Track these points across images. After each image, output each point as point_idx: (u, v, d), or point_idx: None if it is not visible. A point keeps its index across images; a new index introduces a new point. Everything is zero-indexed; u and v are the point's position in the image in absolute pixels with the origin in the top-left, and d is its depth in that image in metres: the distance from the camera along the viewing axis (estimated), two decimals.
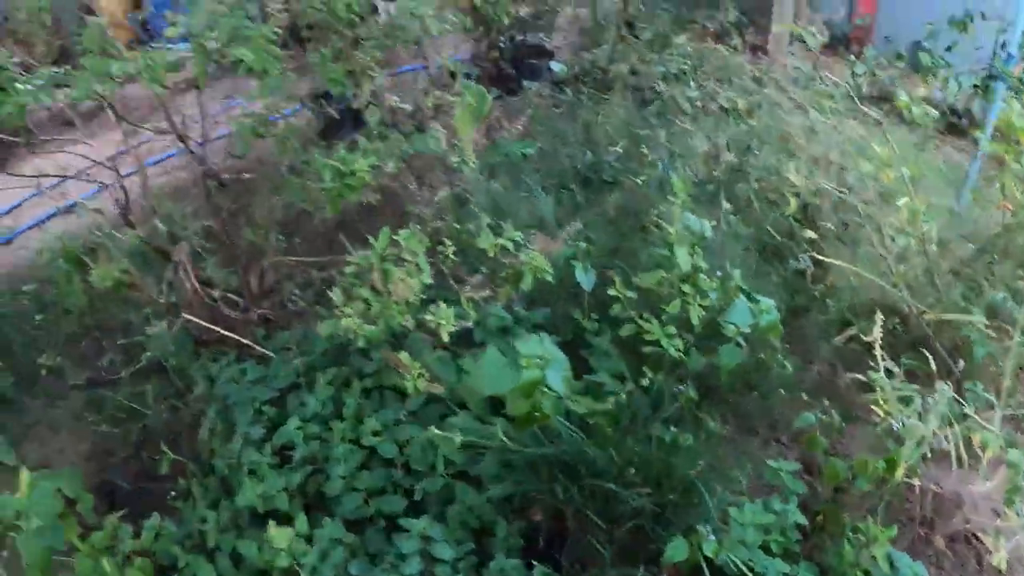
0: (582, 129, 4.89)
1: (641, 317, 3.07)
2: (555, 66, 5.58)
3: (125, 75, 2.52)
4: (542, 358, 2.17)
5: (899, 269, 3.67)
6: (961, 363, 3.37)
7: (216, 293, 3.52)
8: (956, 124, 6.09)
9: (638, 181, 3.91)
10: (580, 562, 2.30)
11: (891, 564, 2.26)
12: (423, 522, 2.27)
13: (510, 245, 2.56)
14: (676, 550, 2.03)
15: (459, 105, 3.60)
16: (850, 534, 2.48)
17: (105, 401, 3.84)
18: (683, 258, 2.72)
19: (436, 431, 2.25)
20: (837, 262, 3.62)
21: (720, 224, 3.86)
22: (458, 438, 2.21)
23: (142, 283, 3.57)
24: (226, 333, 3.49)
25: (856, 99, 5.66)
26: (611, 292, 3.04)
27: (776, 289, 3.62)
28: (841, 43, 7.20)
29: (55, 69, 7.18)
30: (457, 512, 2.45)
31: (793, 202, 3.65)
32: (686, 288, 2.85)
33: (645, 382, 2.53)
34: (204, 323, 3.55)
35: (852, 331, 3.12)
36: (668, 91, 4.64)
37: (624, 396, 2.37)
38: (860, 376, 2.94)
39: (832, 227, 3.99)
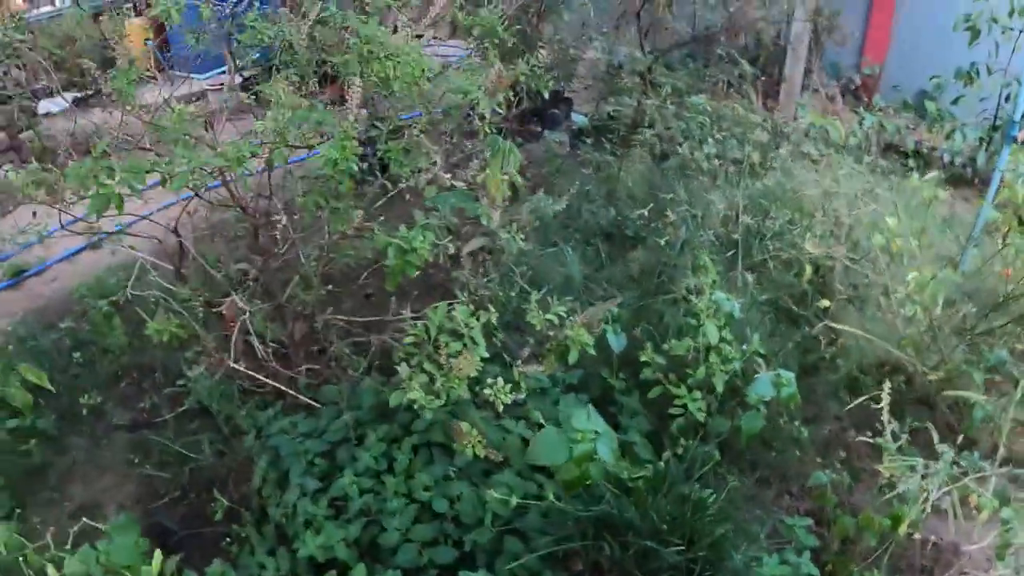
0: (603, 183, 5.31)
1: (667, 379, 3.49)
2: (577, 118, 6.00)
3: (204, 165, 2.89)
4: (595, 432, 2.57)
5: (906, 332, 4.09)
6: (961, 419, 3.80)
7: (261, 346, 3.90)
8: (962, 174, 6.54)
9: (661, 241, 4.32)
10: None
11: None
12: (481, 573, 2.65)
13: (555, 320, 2.96)
14: None
15: (492, 165, 4.02)
16: None
17: (150, 443, 4.19)
18: (712, 332, 3.13)
19: (494, 493, 2.64)
20: (847, 328, 4.04)
21: (738, 286, 4.30)
22: (514, 499, 2.60)
23: (195, 337, 3.94)
24: (273, 384, 3.87)
25: (865, 151, 6.16)
26: (642, 357, 3.45)
27: (791, 351, 4.04)
28: (850, 91, 7.69)
29: (77, 94, 7.54)
30: (506, 563, 2.83)
31: (808, 269, 4.05)
32: (712, 357, 3.25)
33: (678, 449, 2.92)
34: (251, 372, 3.92)
35: (862, 398, 3.51)
36: (687, 146, 5.06)
37: (661, 464, 2.75)
38: (867, 438, 3.36)
39: (842, 290, 4.41)
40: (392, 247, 2.75)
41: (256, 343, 3.90)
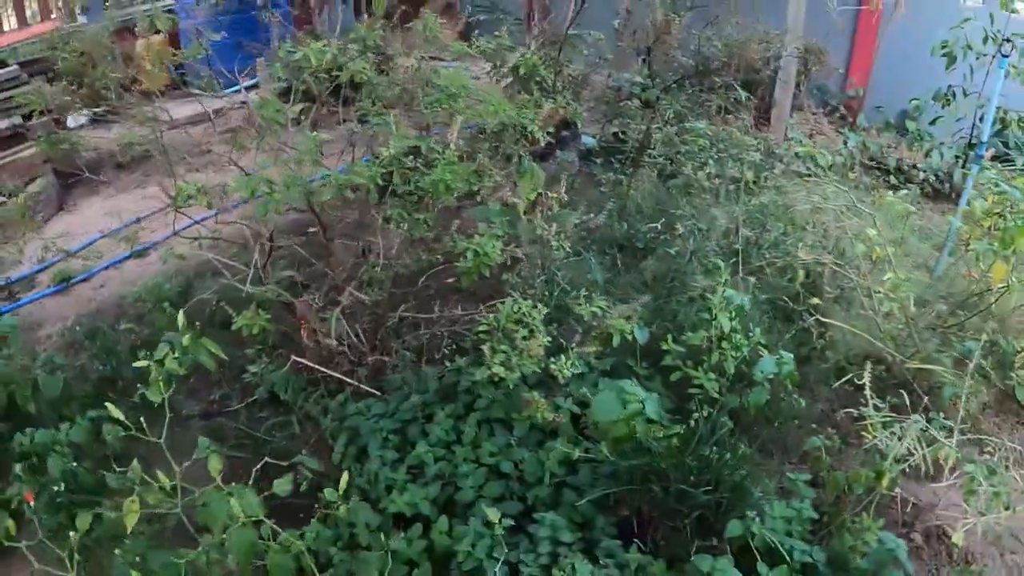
0: (615, 199, 6.29)
1: (685, 365, 4.43)
2: (585, 139, 6.99)
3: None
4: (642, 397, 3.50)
5: (885, 327, 5.09)
6: (934, 400, 4.79)
7: (330, 342, 4.78)
8: (940, 190, 7.63)
9: (671, 251, 5.29)
10: (662, 541, 3.60)
11: (880, 542, 3.57)
12: (551, 516, 3.55)
13: (598, 311, 3.90)
14: (734, 528, 3.35)
15: (523, 183, 4.98)
16: (849, 526, 3.81)
17: (224, 430, 5.01)
18: (725, 323, 4.08)
19: (559, 447, 3.55)
20: (835, 322, 5.02)
21: (740, 288, 5.28)
22: (576, 452, 3.52)
23: (265, 332, 4.82)
24: (338, 375, 4.76)
25: (850, 169, 7.23)
26: (663, 347, 4.39)
27: (787, 343, 5.00)
28: (835, 111, 8.79)
29: (95, 109, 8.33)
30: (565, 511, 3.73)
31: (800, 274, 5.03)
32: (725, 345, 4.20)
33: (699, 417, 3.85)
34: (314, 365, 4.80)
35: (847, 377, 4.48)
36: (691, 167, 6.05)
37: (688, 426, 3.69)
38: (853, 411, 4.33)
39: (830, 291, 5.40)
40: (470, 251, 3.65)
41: (323, 338, 4.80)
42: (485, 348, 3.71)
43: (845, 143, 7.83)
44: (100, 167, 7.68)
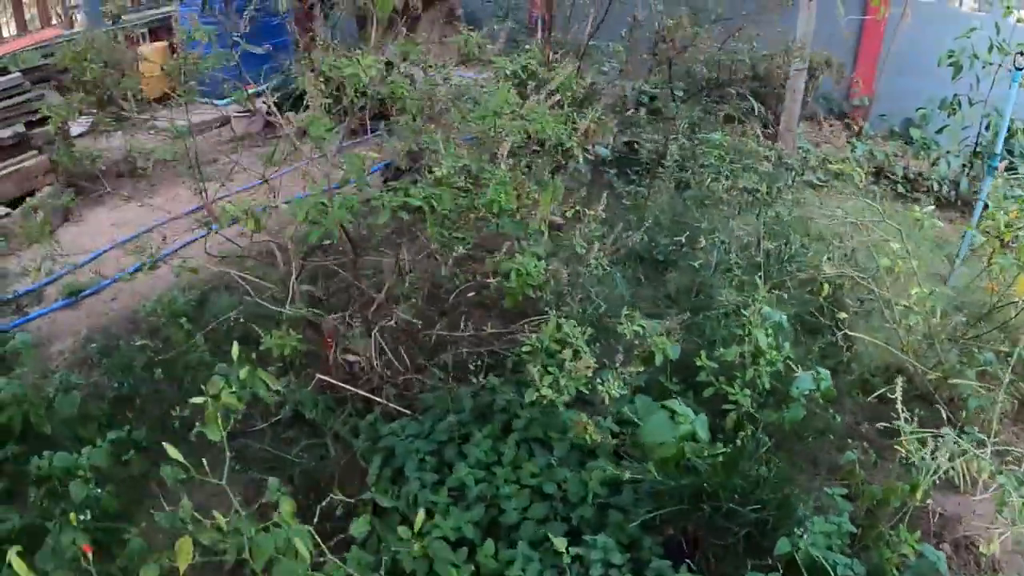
0: (633, 211, 6.32)
1: (718, 381, 4.48)
2: (600, 150, 7.02)
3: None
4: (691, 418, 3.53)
5: (907, 339, 5.17)
6: (955, 411, 4.88)
7: (358, 360, 4.77)
8: (946, 198, 7.74)
9: (695, 264, 5.33)
10: (712, 561, 3.64)
11: (920, 555, 3.64)
12: (601, 538, 3.57)
13: (640, 331, 3.94)
14: (784, 545, 3.39)
15: (544, 197, 5.00)
16: (886, 538, 3.87)
17: (249, 451, 4.98)
18: (762, 339, 4.13)
19: (607, 467, 3.58)
20: (862, 336, 5.09)
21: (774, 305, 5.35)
22: (626, 474, 3.55)
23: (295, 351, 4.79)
24: (369, 396, 4.75)
25: (862, 177, 7.31)
26: (697, 362, 4.43)
27: (814, 357, 5.07)
28: (840, 119, 8.90)
29: (102, 117, 8.22)
30: (612, 532, 3.75)
31: (826, 287, 5.10)
32: (761, 361, 4.25)
33: (738, 436, 3.89)
34: (342, 384, 4.77)
35: (879, 391, 4.55)
36: (708, 177, 6.10)
37: (734, 445, 3.73)
38: (884, 424, 4.40)
39: (851, 304, 5.47)
40: (514, 270, 3.66)
41: (352, 356, 4.79)
42: (532, 369, 3.72)
43: (852, 151, 7.92)
44: (105, 176, 7.59)
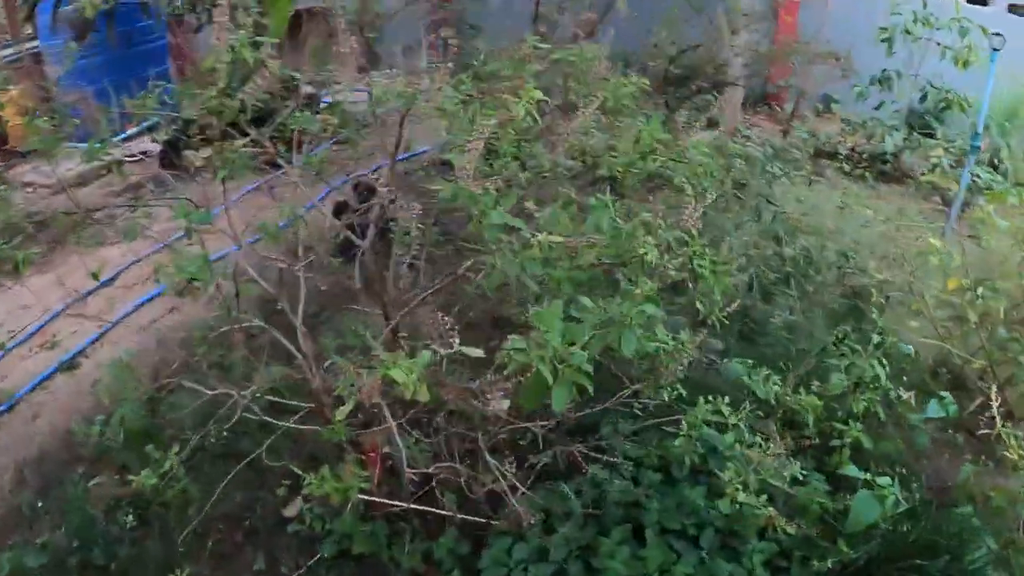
0: None
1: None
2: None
3: None
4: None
5: (944, 330, 5.00)
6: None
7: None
8: (887, 171, 7.82)
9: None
10: None
11: None
12: None
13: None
14: None
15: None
16: None
17: None
18: (878, 369, 3.75)
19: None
20: (904, 331, 4.86)
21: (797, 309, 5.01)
22: (828, 562, 3.04)
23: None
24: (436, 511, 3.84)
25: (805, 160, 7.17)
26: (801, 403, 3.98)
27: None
28: (761, 102, 8.82)
29: None
30: None
31: (875, 293, 4.80)
32: (872, 391, 3.88)
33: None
34: (394, 503, 3.86)
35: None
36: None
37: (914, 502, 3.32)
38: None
39: (883, 302, 5.25)
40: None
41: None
42: (724, 474, 3.09)
43: (785, 135, 7.81)
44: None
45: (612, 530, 3.54)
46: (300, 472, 3.50)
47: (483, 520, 3.88)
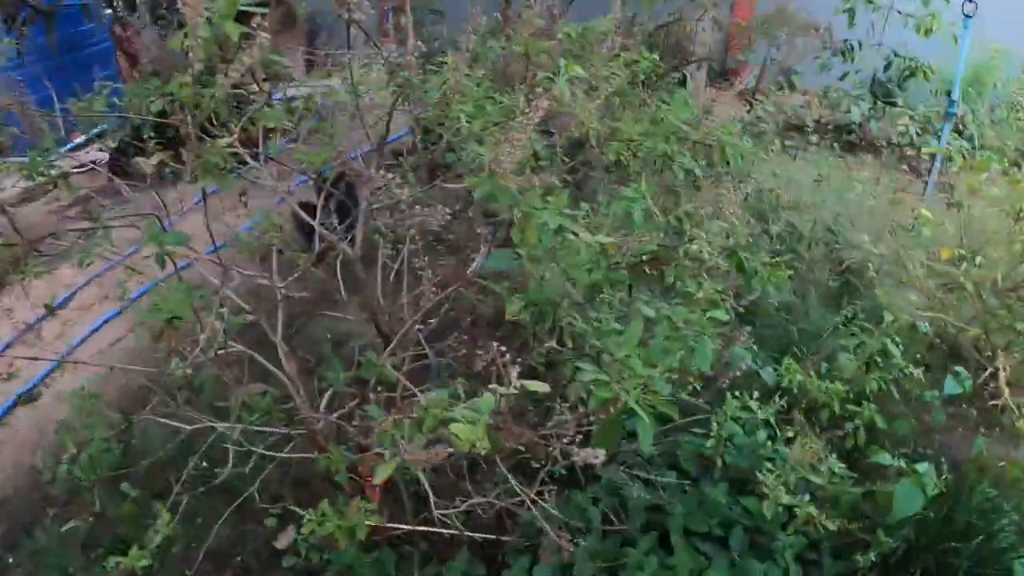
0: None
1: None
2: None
3: None
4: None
5: (947, 299, 4.94)
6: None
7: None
8: (853, 141, 7.79)
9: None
10: None
11: None
12: None
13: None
14: None
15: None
16: None
17: None
18: (895, 351, 3.63)
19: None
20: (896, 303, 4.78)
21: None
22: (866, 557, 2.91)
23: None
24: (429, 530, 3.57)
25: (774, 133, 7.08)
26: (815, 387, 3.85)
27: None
28: (720, 76, 8.69)
29: None
30: None
31: (871, 266, 4.71)
32: (885, 369, 3.76)
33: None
34: (399, 526, 3.59)
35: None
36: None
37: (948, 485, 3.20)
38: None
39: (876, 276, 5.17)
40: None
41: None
42: (766, 477, 2.91)
43: (749, 109, 7.70)
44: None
45: (638, 540, 3.35)
46: (295, 506, 3.22)
47: (494, 537, 3.68)
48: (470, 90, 2.96)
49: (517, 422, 2.33)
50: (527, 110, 2.34)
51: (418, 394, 2.22)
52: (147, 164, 5.37)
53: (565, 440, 2.23)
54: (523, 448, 2.36)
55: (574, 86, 3.21)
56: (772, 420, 3.15)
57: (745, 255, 2.80)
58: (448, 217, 2.56)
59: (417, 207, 2.46)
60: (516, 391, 1.90)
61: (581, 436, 2.31)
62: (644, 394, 2.23)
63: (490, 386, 1.94)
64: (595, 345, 2.45)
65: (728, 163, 6.02)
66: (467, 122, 2.94)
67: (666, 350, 2.35)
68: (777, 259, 2.93)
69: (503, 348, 1.98)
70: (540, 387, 1.97)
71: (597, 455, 1.95)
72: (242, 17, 3.40)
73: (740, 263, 2.98)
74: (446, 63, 3.35)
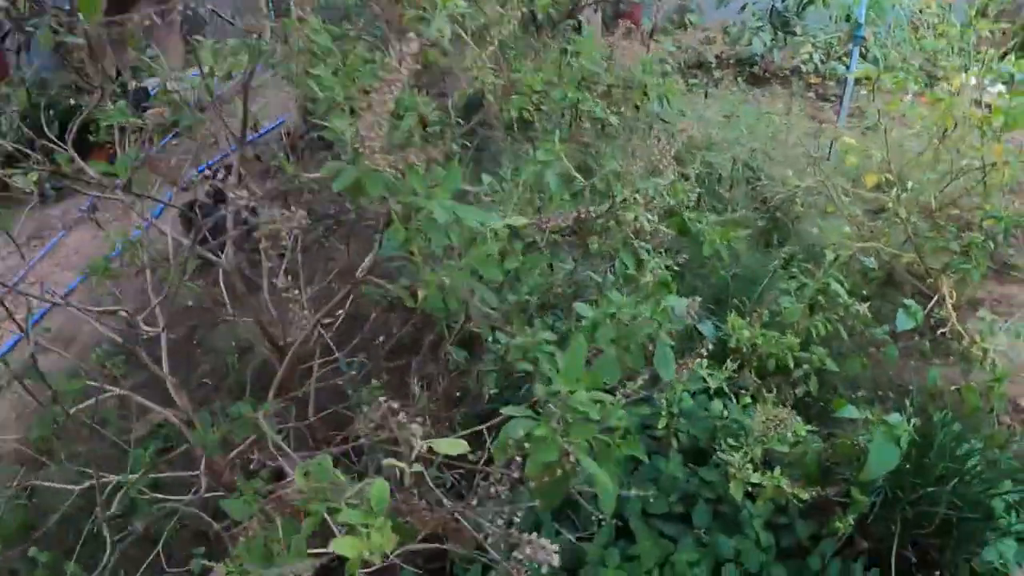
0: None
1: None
2: None
3: None
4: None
5: (876, 227, 4.75)
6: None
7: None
8: (756, 73, 7.58)
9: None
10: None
11: None
12: None
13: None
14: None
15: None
16: None
17: None
18: (836, 287, 3.38)
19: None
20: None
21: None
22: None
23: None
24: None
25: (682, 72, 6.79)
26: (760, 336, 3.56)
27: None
28: (614, 20, 8.35)
29: None
30: None
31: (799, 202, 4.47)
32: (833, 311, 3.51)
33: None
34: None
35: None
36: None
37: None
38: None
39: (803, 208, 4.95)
40: None
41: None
42: (729, 456, 2.56)
43: (648, 48, 7.39)
44: None
45: (595, 532, 3.01)
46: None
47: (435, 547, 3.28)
48: (327, 48, 2.44)
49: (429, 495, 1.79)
50: (394, 63, 1.82)
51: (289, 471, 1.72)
52: (26, 182, 4.72)
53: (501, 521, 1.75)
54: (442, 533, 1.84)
55: (460, 28, 2.77)
56: (724, 387, 2.84)
57: (689, 215, 2.45)
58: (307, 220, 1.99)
59: (275, 211, 1.92)
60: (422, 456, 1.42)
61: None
62: (599, 436, 1.74)
63: (385, 461, 1.45)
64: (523, 367, 2.00)
65: (638, 108, 5.74)
66: (322, 91, 2.42)
67: (612, 363, 1.91)
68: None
69: (394, 405, 1.50)
70: (456, 448, 1.48)
71: (550, 556, 1.42)
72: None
73: (683, 225, 2.62)
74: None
